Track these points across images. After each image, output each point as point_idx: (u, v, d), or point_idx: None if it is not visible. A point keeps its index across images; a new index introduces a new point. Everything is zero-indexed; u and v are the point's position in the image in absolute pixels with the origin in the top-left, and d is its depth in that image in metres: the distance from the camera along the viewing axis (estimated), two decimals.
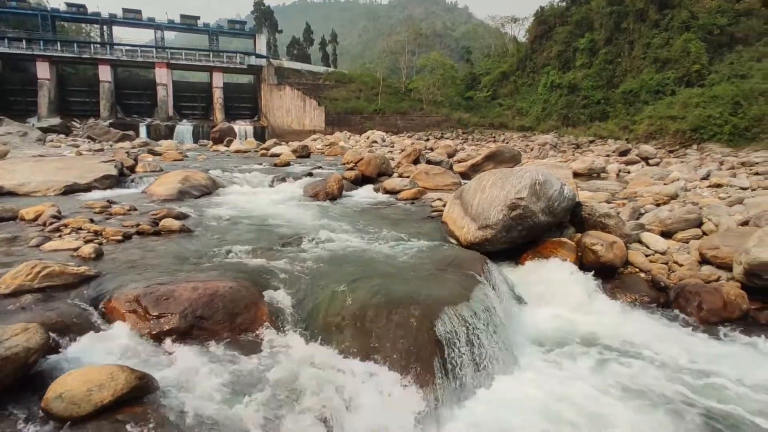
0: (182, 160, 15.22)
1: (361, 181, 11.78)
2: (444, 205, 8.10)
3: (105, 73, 42.79)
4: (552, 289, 5.82)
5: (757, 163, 17.25)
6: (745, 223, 7.28)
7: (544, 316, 5.50)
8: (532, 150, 30.45)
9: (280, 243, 6.17)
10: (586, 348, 4.77)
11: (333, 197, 9.86)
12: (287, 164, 14.34)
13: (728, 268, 5.98)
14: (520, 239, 6.37)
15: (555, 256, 6.23)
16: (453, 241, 6.69)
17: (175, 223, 6.70)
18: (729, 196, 10.18)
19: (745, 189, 11.79)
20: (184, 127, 41.94)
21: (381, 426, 3.22)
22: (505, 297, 5.32)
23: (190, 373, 3.41)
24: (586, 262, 6.26)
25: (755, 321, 5.24)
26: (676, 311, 5.48)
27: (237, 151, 20.03)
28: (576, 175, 14.27)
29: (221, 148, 22.54)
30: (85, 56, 42.39)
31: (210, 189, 10.13)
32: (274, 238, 6.46)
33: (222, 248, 5.84)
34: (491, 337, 4.54)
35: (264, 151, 18.86)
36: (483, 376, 4.20)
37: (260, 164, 14.23)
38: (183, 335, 3.97)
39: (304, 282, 4.92)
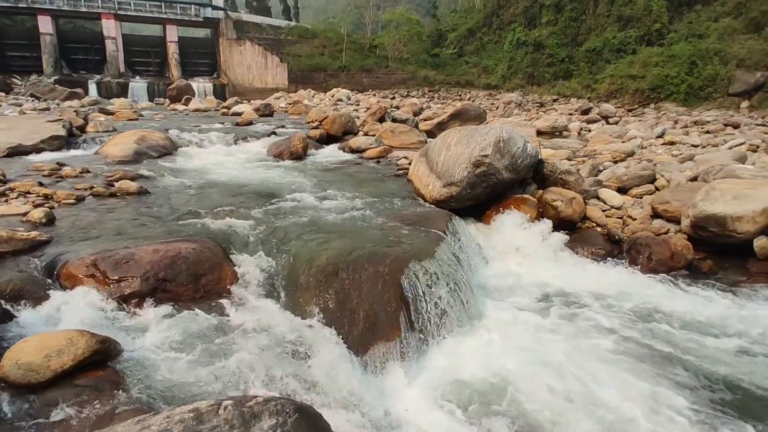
0: (137, 119, 14.48)
1: (326, 139, 11.58)
2: (410, 164, 8.11)
3: (45, 25, 39.49)
4: (514, 244, 6.01)
5: (708, 122, 17.95)
6: (694, 179, 7.64)
7: (507, 269, 5.70)
8: (497, 108, 30.58)
9: (244, 204, 6.06)
10: (545, 299, 5.00)
11: (298, 156, 9.69)
12: (250, 123, 13.90)
13: (677, 221, 6.31)
14: (484, 196, 6.48)
15: (517, 212, 6.40)
16: (419, 198, 6.75)
17: (133, 185, 6.45)
18: (681, 153, 10.60)
19: (696, 146, 12.30)
20: (138, 85, 39.66)
21: (349, 382, 3.31)
22: (469, 252, 5.47)
23: (155, 336, 3.39)
24: (546, 217, 6.46)
25: (698, 269, 5.61)
26: (629, 262, 5.79)
27: (196, 110, 19.21)
28: (539, 133, 14.48)
29: (179, 107, 21.54)
30: (21, 5, 38.90)
31: (169, 149, 9.74)
32: (238, 199, 6.34)
33: (183, 210, 5.69)
34: (456, 290, 4.68)
35: (225, 110, 18.16)
36: (448, 328, 4.35)
37: (221, 124, 13.73)
38: (146, 298, 3.90)
39: (270, 242, 4.88)
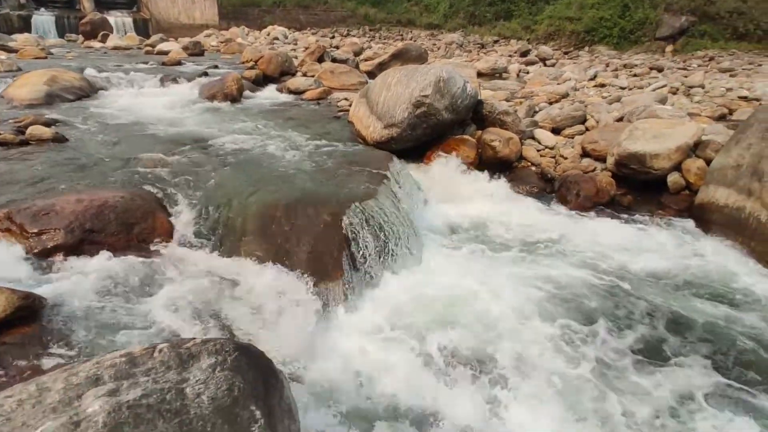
0: (46, 58, 12.99)
1: (262, 80, 11.02)
2: (350, 105, 7.94)
3: None
4: (454, 184, 6.16)
5: (636, 65, 18.74)
6: (620, 119, 8.06)
7: (447, 209, 5.87)
8: (438, 49, 30.17)
9: (176, 149, 5.73)
10: (483, 237, 5.24)
11: (233, 99, 9.18)
12: (178, 63, 12.88)
13: (604, 159, 6.69)
14: (424, 137, 6.52)
15: (457, 152, 6.52)
16: (359, 140, 6.68)
17: (47, 131, 5.89)
18: (610, 95, 11.08)
19: (623, 89, 12.87)
20: (44, 18, 35.14)
21: (290, 323, 3.36)
22: (410, 193, 5.55)
23: (85, 288, 3.23)
24: (485, 157, 6.64)
25: (620, 204, 6.07)
26: (559, 199, 6.14)
27: (116, 48, 17.48)
28: (480, 75, 14.52)
29: (95, 44, 19.47)
30: None
31: (87, 92, 8.88)
32: (169, 144, 5.98)
33: (107, 157, 5.30)
34: (397, 231, 4.78)
35: (149, 48, 16.65)
36: (390, 268, 4.48)
37: (146, 63, 12.63)
38: (72, 250, 3.68)
39: (207, 188, 4.70)
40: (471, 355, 3.39)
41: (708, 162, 5.86)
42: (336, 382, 3.04)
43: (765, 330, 3.76)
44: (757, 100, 9.19)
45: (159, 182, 4.70)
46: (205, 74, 11.26)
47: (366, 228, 4.46)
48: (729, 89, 10.57)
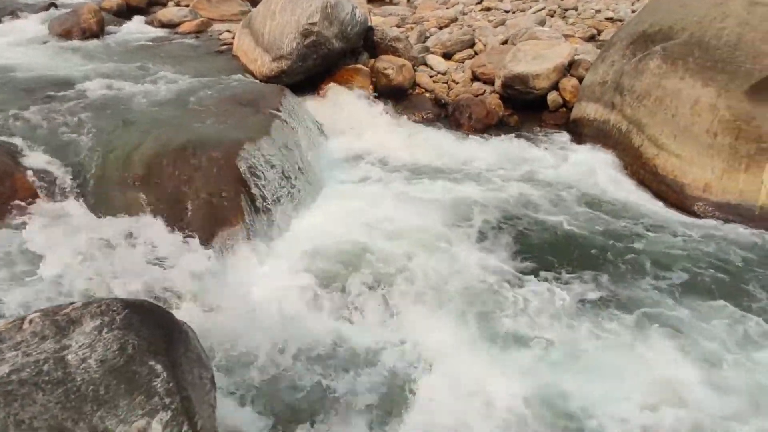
0: None
1: (126, 12, 9.64)
2: (234, 38, 7.31)
3: None
4: (350, 116, 6.09)
5: None
6: (505, 42, 8.32)
7: (346, 142, 5.82)
8: None
9: (31, 98, 4.94)
10: (383, 167, 5.31)
11: (93, 34, 7.96)
12: None
13: (492, 82, 6.96)
14: (316, 68, 6.27)
15: (351, 83, 6.39)
16: (248, 75, 6.24)
17: None
18: (495, 19, 11.33)
19: (507, 12, 13.18)
20: None
21: (190, 272, 3.25)
22: (306, 128, 5.40)
23: None
24: (379, 86, 6.59)
25: (507, 123, 6.47)
26: (453, 123, 6.37)
27: None
28: (369, 0, 13.98)
29: None
30: None
31: None
32: (21, 93, 5.13)
33: None
34: (296, 169, 4.69)
35: None
36: (292, 207, 4.42)
37: None
38: None
39: (77, 140, 4.19)
40: (372, 281, 3.55)
41: (580, 80, 6.35)
42: (240, 325, 3.05)
43: (615, 223, 4.42)
44: (621, 20, 9.94)
45: (14, 137, 4.08)
46: (53, 5, 9.61)
47: (263, 168, 4.31)
48: (597, 11, 11.29)
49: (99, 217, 3.55)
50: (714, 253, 4.02)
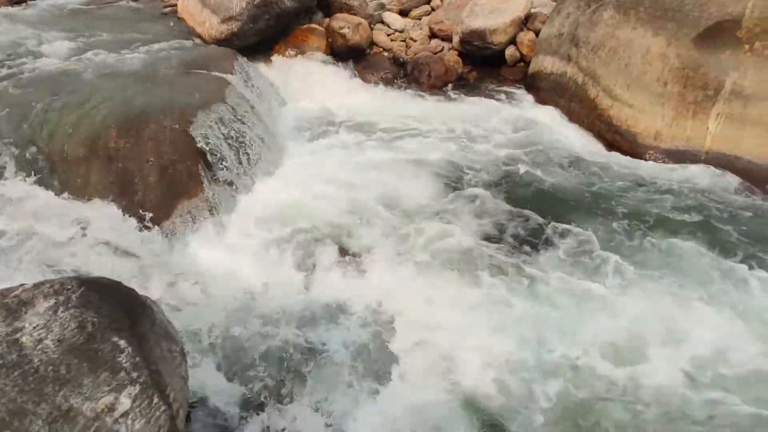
0: None
1: None
2: None
3: None
4: (307, 79, 5.92)
5: None
6: None
7: (304, 106, 5.67)
8: None
9: None
10: (342, 130, 5.22)
11: (15, 1, 7.32)
12: None
13: (450, 39, 6.87)
14: (269, 30, 6.00)
15: (307, 44, 6.18)
16: (196, 39, 5.93)
17: None
18: None
19: None
20: None
21: (149, 249, 3.17)
22: (262, 93, 5.22)
23: None
24: (336, 46, 6.39)
25: (466, 80, 6.45)
26: (412, 81, 6.30)
27: None
28: None
29: None
30: None
31: None
32: None
33: None
34: (254, 135, 4.55)
35: None
36: (252, 174, 4.32)
37: None
38: None
39: (14, 118, 3.89)
40: (337, 243, 3.59)
41: (537, 33, 6.34)
42: (206, 296, 3.03)
43: (570, 175, 4.58)
44: None
45: None
46: None
47: (219, 136, 4.17)
48: None
49: (50, 199, 3.36)
50: (660, 197, 4.24)
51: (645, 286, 3.30)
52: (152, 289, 2.93)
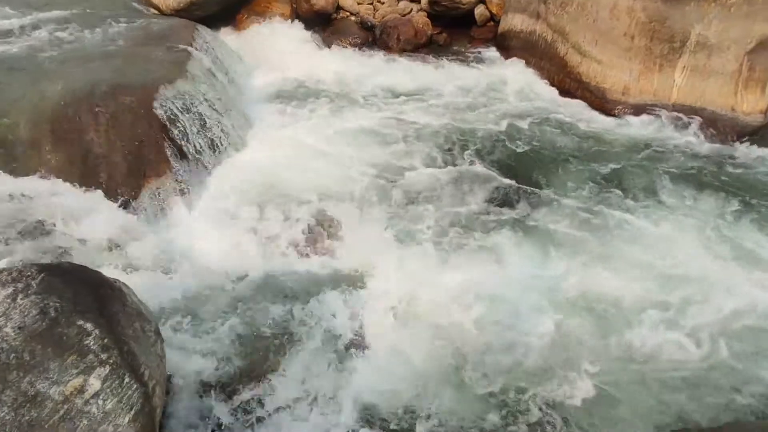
0: None
1: None
2: None
3: None
4: (273, 48, 5.74)
5: None
6: None
7: (271, 75, 5.51)
8: None
9: None
10: (311, 98, 5.11)
11: None
12: None
13: (419, 0, 6.69)
14: None
15: (271, 11, 5.97)
16: (153, 10, 5.67)
17: None
18: None
19: None
20: None
21: (120, 230, 3.12)
22: (227, 64, 5.05)
23: None
24: (301, 12, 6.20)
25: (437, 42, 6.35)
26: (382, 45, 6.17)
27: None
28: None
29: None
30: None
31: None
32: None
33: None
34: (221, 107, 4.44)
35: None
36: (223, 149, 4.22)
37: None
38: None
39: None
40: (308, 211, 3.57)
41: None
42: (179, 275, 3.01)
43: (542, 131, 4.66)
44: None
45: None
46: None
47: (184, 110, 4.05)
48: None
49: (6, 182, 3.25)
50: (628, 150, 4.37)
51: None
52: (120, 270, 2.90)
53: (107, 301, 1.94)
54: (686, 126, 4.58)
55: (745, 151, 4.38)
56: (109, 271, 2.77)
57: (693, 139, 4.54)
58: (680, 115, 4.63)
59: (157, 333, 2.26)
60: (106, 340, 1.56)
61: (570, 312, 2.89)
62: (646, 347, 2.72)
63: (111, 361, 1.53)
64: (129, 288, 2.27)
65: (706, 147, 4.44)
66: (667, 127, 4.60)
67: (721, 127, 4.51)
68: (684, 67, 4.56)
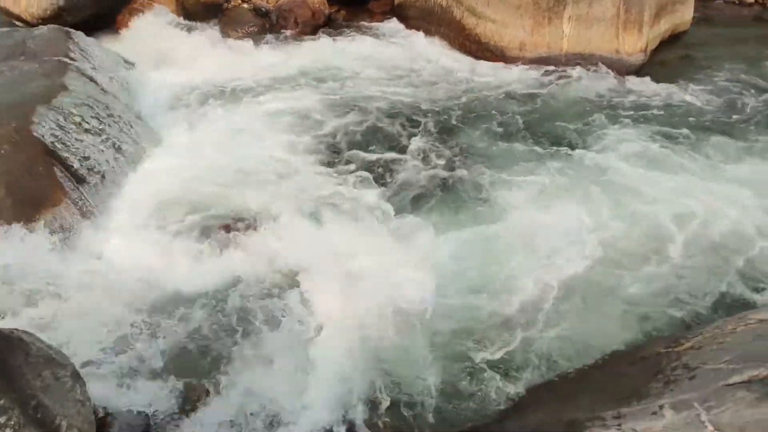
0: None
1: None
2: None
3: None
4: (164, 47, 5.37)
5: None
6: None
7: (168, 77, 5.15)
8: None
9: None
10: (215, 95, 4.85)
11: None
12: None
13: None
14: None
15: (152, 8, 5.55)
16: (15, 21, 5.10)
17: None
18: None
19: None
20: None
21: (18, 271, 2.84)
22: (111, 70, 4.66)
23: None
24: (188, 5, 5.84)
25: (336, 21, 6.25)
26: (281, 31, 5.94)
27: None
28: None
29: None
30: None
31: None
32: None
33: None
34: (115, 119, 4.11)
35: None
36: (122, 163, 3.93)
37: None
38: None
39: None
40: (224, 216, 3.45)
41: None
42: (98, 305, 2.81)
43: (449, 92, 4.81)
44: None
45: None
46: None
47: (71, 130, 3.71)
48: None
49: None
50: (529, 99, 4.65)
51: None
52: (24, 315, 2.65)
53: (4, 355, 1.76)
54: (580, 73, 4.85)
55: (634, 88, 4.72)
56: (8, 321, 2.56)
57: (588, 83, 4.82)
58: (573, 63, 4.89)
59: (75, 376, 2.10)
60: (2, 401, 1.42)
61: None
62: None
63: (12, 422, 1.39)
64: (31, 334, 2.08)
65: (600, 88, 4.75)
66: (563, 75, 4.84)
67: (611, 69, 4.81)
68: (570, 17, 4.79)
